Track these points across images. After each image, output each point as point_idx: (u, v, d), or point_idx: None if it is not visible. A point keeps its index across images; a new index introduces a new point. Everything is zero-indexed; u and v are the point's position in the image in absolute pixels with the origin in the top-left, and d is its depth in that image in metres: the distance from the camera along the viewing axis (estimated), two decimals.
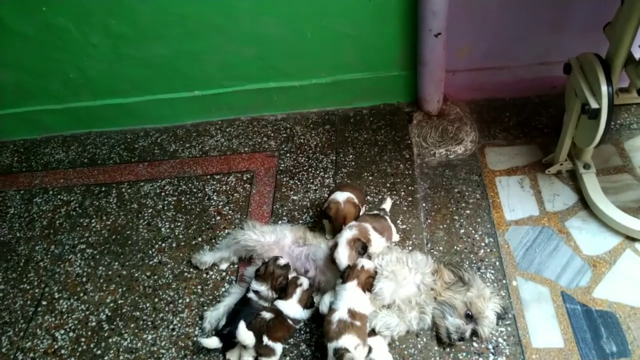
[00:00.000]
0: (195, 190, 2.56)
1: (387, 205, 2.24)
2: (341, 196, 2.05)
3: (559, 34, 2.45)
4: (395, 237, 2.13)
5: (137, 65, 2.65)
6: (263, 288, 1.94)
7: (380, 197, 2.33)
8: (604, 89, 1.87)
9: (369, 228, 1.97)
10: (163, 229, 2.40)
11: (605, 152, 2.41)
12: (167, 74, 2.70)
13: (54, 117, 2.91)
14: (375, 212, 2.19)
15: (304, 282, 1.96)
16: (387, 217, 2.14)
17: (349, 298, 1.78)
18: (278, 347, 1.86)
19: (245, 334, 1.79)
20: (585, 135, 2.06)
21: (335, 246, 1.90)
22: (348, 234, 1.92)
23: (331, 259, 1.92)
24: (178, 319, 2.08)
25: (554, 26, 2.44)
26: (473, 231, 2.23)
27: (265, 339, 1.82)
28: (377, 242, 1.97)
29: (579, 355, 1.85)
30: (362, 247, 1.90)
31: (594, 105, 1.90)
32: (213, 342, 1.84)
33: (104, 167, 2.77)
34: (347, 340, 1.69)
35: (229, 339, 1.85)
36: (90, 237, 2.43)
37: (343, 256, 1.87)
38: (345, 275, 1.84)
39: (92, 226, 2.48)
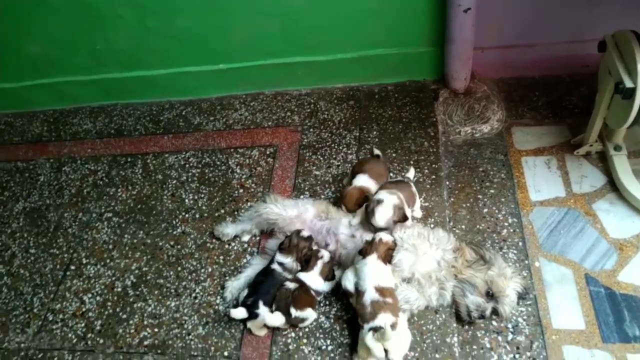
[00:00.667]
0: (218, 163, 2.58)
1: (411, 174, 2.23)
2: (358, 182, 2.07)
3: (594, 9, 2.35)
4: (418, 212, 2.13)
5: (163, 38, 2.66)
6: (288, 260, 1.97)
7: (403, 174, 2.31)
8: None
9: (402, 197, 1.96)
10: (187, 200, 2.44)
11: (638, 134, 2.33)
12: (192, 47, 2.71)
13: (81, 88, 2.96)
14: (399, 178, 2.17)
15: (325, 254, 1.98)
16: (412, 184, 2.12)
17: (372, 274, 1.79)
18: (308, 313, 1.89)
19: (272, 318, 1.83)
20: (618, 115, 2.00)
21: (377, 203, 1.89)
22: (394, 198, 1.90)
23: (367, 215, 1.91)
24: (200, 287, 2.12)
25: (588, 1, 2.35)
26: (497, 211, 2.20)
27: (293, 311, 1.85)
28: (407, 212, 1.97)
29: (599, 338, 1.83)
30: (402, 216, 1.90)
31: (628, 84, 1.84)
32: (241, 313, 1.86)
33: (130, 138, 2.82)
34: (382, 319, 1.69)
35: (251, 310, 1.88)
36: (117, 206, 2.49)
37: (383, 216, 1.87)
38: (364, 250, 1.85)
39: (118, 195, 2.53)
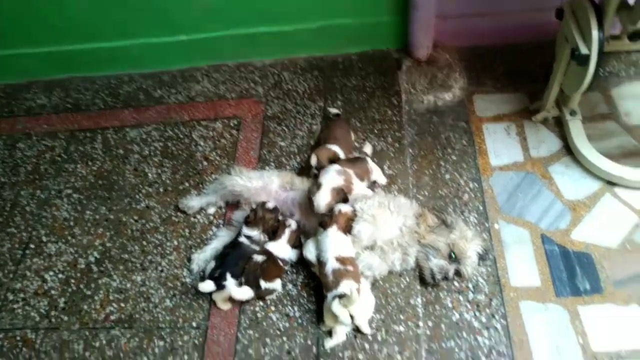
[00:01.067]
0: (181, 136, 2.54)
1: (367, 149, 2.26)
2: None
3: None
4: (382, 179, 2.15)
5: (120, 8, 2.56)
6: (255, 233, 1.97)
7: (361, 149, 2.33)
8: (595, 34, 1.85)
9: (352, 175, 1.98)
10: (150, 174, 2.40)
11: (592, 100, 2.42)
12: (150, 17, 2.62)
13: (34, 61, 2.83)
14: (357, 155, 2.20)
15: (292, 223, 2.00)
16: (368, 160, 2.14)
17: (333, 245, 1.82)
18: (276, 284, 1.91)
19: (239, 292, 1.84)
20: (573, 81, 2.06)
21: (317, 188, 1.91)
22: (334, 181, 1.93)
23: (308, 198, 1.93)
24: (166, 261, 2.11)
25: None
26: (458, 176, 2.26)
27: (263, 283, 1.87)
28: (358, 188, 2.00)
29: (553, 293, 1.93)
30: (342, 199, 1.92)
31: (583, 50, 1.90)
32: (209, 286, 1.86)
33: (88, 113, 2.73)
34: (345, 286, 1.73)
35: (219, 282, 1.88)
36: (77, 182, 2.42)
37: (322, 201, 1.89)
38: (324, 222, 1.87)
39: (77, 171, 2.47)
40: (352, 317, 1.72)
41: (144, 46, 2.75)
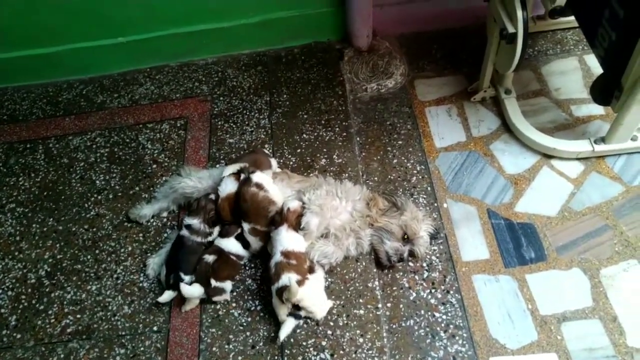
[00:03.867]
0: (128, 140, 2.49)
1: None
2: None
3: None
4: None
5: (51, 12, 2.47)
6: (195, 221, 1.96)
7: (315, 134, 2.37)
8: (519, 13, 1.94)
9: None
10: (97, 182, 2.34)
11: (525, 78, 2.54)
12: (85, 20, 2.53)
13: None
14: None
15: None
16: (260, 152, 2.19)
17: (283, 242, 1.85)
18: (227, 285, 1.92)
19: (190, 291, 1.85)
20: (505, 60, 2.16)
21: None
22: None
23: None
24: (122, 267, 2.07)
25: None
26: (405, 160, 2.33)
27: (213, 282, 1.87)
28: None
29: (502, 264, 2.03)
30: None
31: (510, 29, 1.99)
32: (167, 296, 1.89)
33: (27, 123, 2.62)
34: (287, 279, 1.76)
35: (176, 286, 1.88)
36: (20, 196, 2.33)
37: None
38: (275, 220, 1.90)
39: (20, 184, 2.38)
40: (300, 308, 1.77)
41: (80, 50, 2.67)
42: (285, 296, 1.72)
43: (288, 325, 1.77)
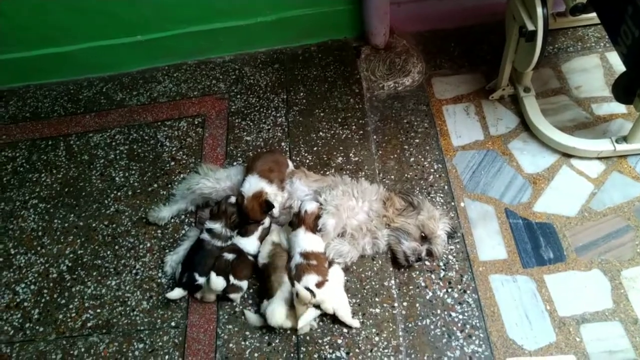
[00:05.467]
0: (146, 137, 2.52)
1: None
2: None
3: None
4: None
5: (71, 11, 2.51)
6: (217, 226, 1.98)
7: (332, 132, 2.37)
8: (539, 10, 1.92)
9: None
10: (117, 178, 2.38)
11: (544, 76, 2.51)
12: (102, 19, 2.57)
13: None
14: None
15: (266, 220, 2.01)
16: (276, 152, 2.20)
17: (301, 244, 1.86)
18: (244, 284, 1.94)
19: (216, 282, 1.86)
20: (524, 58, 2.14)
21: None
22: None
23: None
24: (140, 263, 2.10)
25: None
26: (422, 159, 2.32)
27: (232, 279, 1.89)
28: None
29: (520, 264, 2.01)
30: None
31: (530, 27, 1.97)
32: (177, 293, 1.91)
33: (49, 121, 2.67)
34: (307, 280, 1.77)
35: (191, 285, 1.91)
36: (42, 192, 2.38)
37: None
38: (293, 222, 1.91)
39: (42, 181, 2.42)
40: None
41: (100, 49, 2.70)
42: (297, 302, 1.73)
43: (309, 313, 1.77)
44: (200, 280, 1.90)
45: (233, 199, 2.02)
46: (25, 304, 2.05)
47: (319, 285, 1.77)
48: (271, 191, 1.98)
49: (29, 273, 2.13)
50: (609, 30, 1.97)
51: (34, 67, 2.76)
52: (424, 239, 1.95)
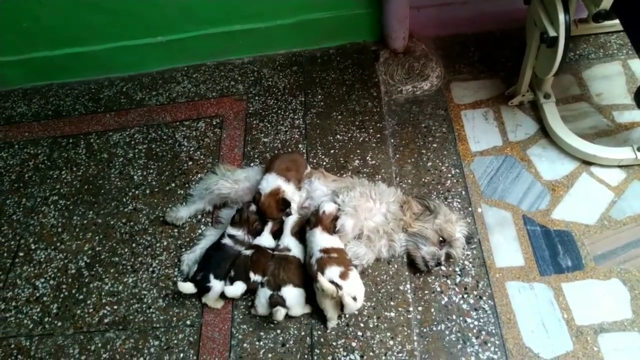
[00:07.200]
0: (165, 137, 2.55)
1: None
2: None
3: None
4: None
5: (94, 12, 2.56)
6: (240, 233, 2.00)
7: (349, 135, 2.38)
8: (562, 17, 1.91)
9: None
10: (135, 177, 2.41)
11: (565, 82, 2.49)
12: (126, 20, 2.62)
13: (11, 69, 2.81)
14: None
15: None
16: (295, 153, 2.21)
17: (318, 242, 1.86)
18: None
19: (233, 291, 1.88)
20: (545, 64, 2.12)
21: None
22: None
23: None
24: (157, 261, 2.13)
25: None
26: (440, 163, 2.31)
27: (252, 275, 1.90)
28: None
29: (537, 272, 1.99)
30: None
31: (552, 33, 1.95)
32: (188, 287, 1.90)
33: (70, 119, 2.72)
34: (330, 272, 1.77)
35: (202, 285, 1.91)
36: (62, 189, 2.42)
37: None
38: (310, 222, 1.92)
39: (62, 178, 2.46)
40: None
41: (121, 49, 2.75)
42: (320, 295, 1.73)
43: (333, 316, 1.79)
44: (213, 282, 1.90)
45: (254, 207, 2.03)
46: (45, 298, 2.08)
47: (343, 276, 1.76)
48: (288, 189, 2.00)
49: (49, 268, 2.16)
50: (632, 37, 1.95)
51: (57, 66, 2.81)
52: (442, 243, 1.94)
